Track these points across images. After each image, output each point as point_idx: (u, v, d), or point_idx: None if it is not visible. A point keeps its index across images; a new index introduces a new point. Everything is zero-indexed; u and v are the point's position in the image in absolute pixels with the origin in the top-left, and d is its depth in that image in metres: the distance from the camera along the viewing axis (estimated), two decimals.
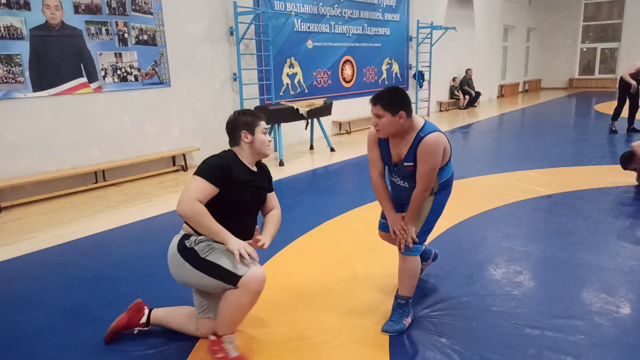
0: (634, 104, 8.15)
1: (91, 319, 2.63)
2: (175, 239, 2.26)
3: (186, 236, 2.21)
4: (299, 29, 8.26)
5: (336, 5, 8.98)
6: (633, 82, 7.79)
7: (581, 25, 19.54)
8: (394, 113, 2.27)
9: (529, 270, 3.08)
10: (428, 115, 12.10)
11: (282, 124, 6.98)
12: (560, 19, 19.75)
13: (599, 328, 2.38)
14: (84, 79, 5.50)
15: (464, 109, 13.37)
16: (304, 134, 8.25)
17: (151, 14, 6.04)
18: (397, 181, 2.50)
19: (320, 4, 8.63)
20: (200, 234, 2.18)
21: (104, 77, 5.67)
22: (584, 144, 7.43)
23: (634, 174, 5.07)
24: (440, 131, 2.33)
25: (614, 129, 8.47)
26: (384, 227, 2.70)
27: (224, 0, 6.91)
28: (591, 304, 2.62)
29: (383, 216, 2.70)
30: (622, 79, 8.09)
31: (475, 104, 13.87)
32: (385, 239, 2.80)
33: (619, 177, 5.25)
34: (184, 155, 6.47)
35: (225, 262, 2.05)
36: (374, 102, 2.31)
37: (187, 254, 2.14)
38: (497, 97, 16.71)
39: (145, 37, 6.01)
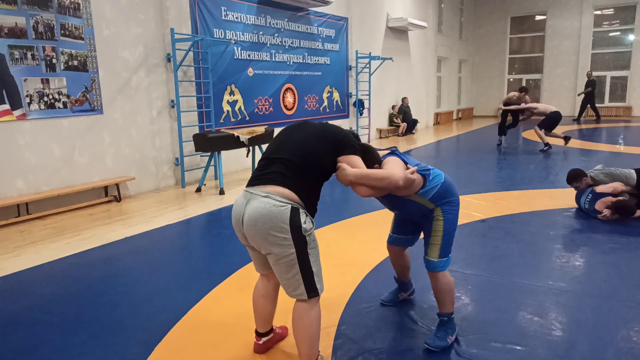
0: (514, 122, 10.87)
1: None
2: (276, 210, 1.95)
3: (296, 211, 1.98)
4: (239, 57, 8.24)
5: (276, 35, 9.07)
6: (509, 108, 10.47)
7: (507, 58, 20.91)
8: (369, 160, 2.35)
9: (466, 295, 3.13)
10: (368, 142, 12.35)
11: (223, 152, 6.85)
12: (488, 52, 21.05)
13: (534, 352, 2.43)
14: (7, 106, 5.15)
15: (403, 135, 13.79)
16: (246, 161, 8.15)
17: (82, 39, 5.80)
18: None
19: (261, 32, 8.68)
20: (308, 213, 2.05)
21: (29, 103, 5.34)
22: (514, 169, 7.83)
23: (560, 198, 5.36)
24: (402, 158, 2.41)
25: (499, 143, 11.05)
26: (392, 241, 2.85)
27: (161, 26, 6.79)
28: (526, 327, 2.68)
29: (393, 230, 2.84)
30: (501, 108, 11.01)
31: (413, 131, 14.34)
32: (392, 254, 2.89)
33: (547, 201, 5.54)
34: (117, 185, 6.17)
35: (316, 270, 2.07)
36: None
37: (299, 237, 1.97)
38: (433, 124, 17.40)
39: (75, 62, 5.75)
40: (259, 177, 2.10)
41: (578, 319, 2.79)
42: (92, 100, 5.97)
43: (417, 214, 2.52)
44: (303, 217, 2.01)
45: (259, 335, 2.46)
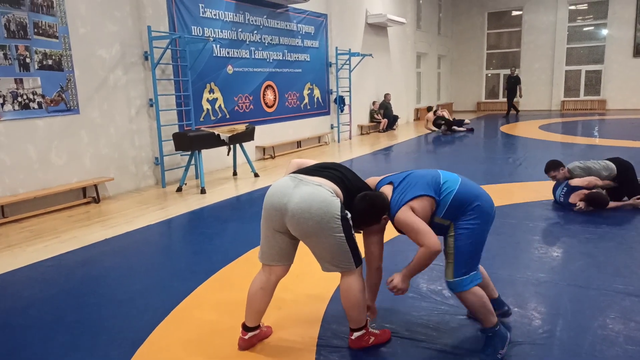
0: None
1: None
2: (331, 198, 2.23)
3: (341, 203, 2.28)
4: (219, 54, 8.18)
5: (255, 32, 9.02)
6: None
7: (485, 53, 21.16)
8: (379, 221, 2.38)
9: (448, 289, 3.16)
10: (350, 138, 12.40)
11: (203, 150, 6.80)
12: (467, 47, 21.27)
13: (514, 341, 2.48)
14: None
15: (384, 131, 13.86)
16: (227, 160, 8.10)
17: (56, 37, 5.69)
18: None
19: (239, 29, 8.62)
20: (346, 208, 2.31)
21: (3, 104, 5.22)
22: (493, 163, 7.95)
23: (538, 190, 5.46)
24: (406, 201, 2.30)
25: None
26: None
27: (138, 24, 6.69)
28: (506, 318, 2.73)
29: None
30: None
31: (394, 127, 14.43)
32: None
33: (525, 194, 5.64)
34: (95, 186, 6.08)
35: (356, 245, 2.34)
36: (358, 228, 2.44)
37: (345, 224, 2.26)
38: (414, 119, 17.53)
39: (50, 61, 5.64)
40: (307, 172, 2.38)
41: (556, 308, 2.85)
42: (68, 100, 5.86)
43: (437, 231, 2.34)
44: (344, 209, 2.29)
45: (246, 329, 2.47)
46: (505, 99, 18.53)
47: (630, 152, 8.03)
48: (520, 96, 17.75)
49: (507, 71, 20.46)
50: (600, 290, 3.05)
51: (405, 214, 2.26)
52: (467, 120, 13.78)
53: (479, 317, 2.36)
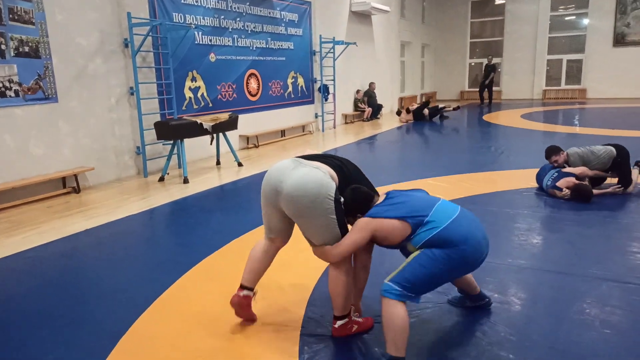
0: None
1: None
2: (326, 179, 2.31)
3: (337, 190, 2.35)
4: (201, 42, 8.06)
5: (238, 19, 8.91)
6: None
7: (469, 42, 21.23)
8: (354, 215, 2.41)
9: None
10: (334, 127, 12.38)
11: (186, 140, 6.73)
12: (450, 36, 21.32)
13: (494, 327, 2.52)
14: None
15: (368, 120, 13.87)
16: (210, 149, 8.03)
17: (33, 24, 5.54)
18: None
19: (222, 16, 8.50)
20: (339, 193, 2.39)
21: None
22: (475, 152, 8.02)
23: (518, 179, 5.53)
24: (381, 216, 2.28)
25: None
26: None
27: (117, 10, 6.55)
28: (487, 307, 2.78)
29: None
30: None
31: (378, 116, 14.44)
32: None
33: (507, 182, 5.71)
34: (75, 176, 5.98)
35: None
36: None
37: (338, 206, 2.33)
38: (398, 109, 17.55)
39: (26, 48, 5.49)
40: (309, 157, 2.48)
41: (536, 294, 2.90)
42: (46, 88, 5.73)
43: (401, 250, 2.36)
44: (338, 193, 2.36)
45: (242, 287, 2.58)
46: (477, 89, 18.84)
47: (610, 140, 8.16)
48: (492, 85, 18.11)
49: (494, 60, 20.64)
50: (578, 276, 3.11)
51: (365, 222, 2.29)
52: (446, 107, 13.86)
53: (387, 336, 2.15)
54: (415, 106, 13.58)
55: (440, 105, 13.91)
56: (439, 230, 2.17)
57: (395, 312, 2.12)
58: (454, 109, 13.89)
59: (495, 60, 20.63)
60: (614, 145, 5.22)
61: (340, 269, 2.39)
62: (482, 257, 2.26)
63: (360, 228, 2.29)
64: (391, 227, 2.25)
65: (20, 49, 5.44)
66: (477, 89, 18.90)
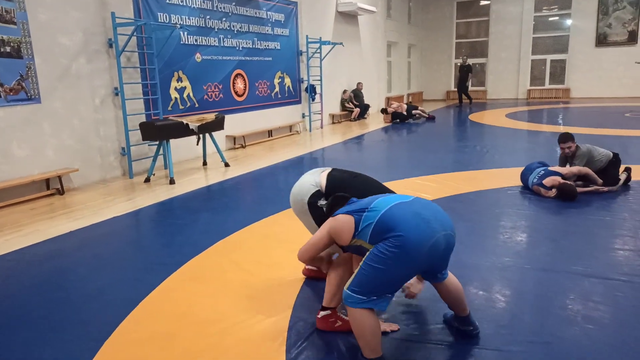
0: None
1: None
2: (307, 185, 2.76)
3: (319, 195, 2.69)
4: (186, 42, 8.02)
5: (224, 19, 8.87)
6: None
7: (454, 43, 21.41)
8: (327, 216, 2.48)
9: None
10: (321, 127, 12.39)
11: (172, 140, 6.68)
12: (436, 37, 21.48)
13: (479, 324, 2.55)
14: None
15: (355, 120, 13.90)
16: (196, 149, 7.99)
17: (14, 23, 5.46)
18: None
19: (208, 17, 8.46)
20: (326, 198, 2.67)
21: None
22: (460, 151, 8.08)
23: (503, 177, 5.59)
24: (352, 213, 2.23)
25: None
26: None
27: (101, 10, 6.48)
28: (471, 301, 2.80)
29: None
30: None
31: (365, 116, 14.49)
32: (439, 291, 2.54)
33: (491, 181, 5.77)
34: (59, 177, 5.90)
35: None
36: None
37: (312, 209, 2.70)
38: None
39: (8, 48, 5.41)
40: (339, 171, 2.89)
41: (520, 291, 2.94)
42: (28, 89, 5.65)
43: (357, 252, 2.25)
44: (317, 198, 2.69)
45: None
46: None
47: (591, 139, 8.29)
48: (469, 86, 18.36)
49: (476, 60, 20.82)
50: (561, 273, 3.16)
51: (330, 221, 2.34)
52: (420, 109, 13.76)
53: (359, 344, 2.14)
54: (392, 108, 13.44)
55: (420, 108, 13.95)
56: (378, 218, 2.10)
57: (361, 320, 2.08)
58: (428, 117, 13.44)
59: (481, 60, 20.87)
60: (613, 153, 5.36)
61: (339, 263, 2.53)
62: (432, 242, 2.05)
63: (320, 229, 2.39)
64: (340, 223, 2.24)
65: (2, 49, 5.35)
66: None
